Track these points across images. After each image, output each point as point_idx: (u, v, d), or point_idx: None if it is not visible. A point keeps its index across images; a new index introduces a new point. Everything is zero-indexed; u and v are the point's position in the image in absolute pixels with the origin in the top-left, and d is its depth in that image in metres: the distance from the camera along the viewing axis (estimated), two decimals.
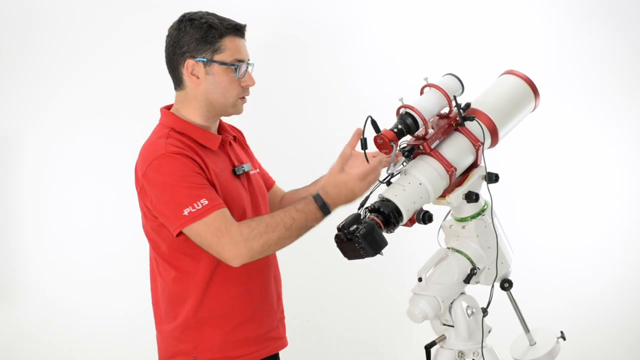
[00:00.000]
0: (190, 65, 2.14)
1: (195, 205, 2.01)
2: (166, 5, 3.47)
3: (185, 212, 2.01)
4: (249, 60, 2.19)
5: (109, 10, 3.59)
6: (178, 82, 2.19)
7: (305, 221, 2.06)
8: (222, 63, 2.12)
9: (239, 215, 2.14)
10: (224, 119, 2.32)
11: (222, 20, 2.15)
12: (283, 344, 2.32)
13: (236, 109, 2.20)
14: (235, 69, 2.14)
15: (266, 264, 2.25)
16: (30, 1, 3.56)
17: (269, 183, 2.47)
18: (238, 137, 2.38)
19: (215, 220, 2.01)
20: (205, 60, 2.12)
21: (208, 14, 2.17)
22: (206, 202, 2.02)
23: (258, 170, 2.37)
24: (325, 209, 2.08)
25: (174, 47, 2.16)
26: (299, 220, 2.05)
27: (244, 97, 2.20)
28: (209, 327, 2.16)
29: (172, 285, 2.18)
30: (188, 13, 2.17)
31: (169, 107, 2.25)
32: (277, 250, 2.10)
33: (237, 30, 2.15)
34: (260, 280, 2.22)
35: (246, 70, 2.16)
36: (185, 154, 2.06)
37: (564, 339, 2.24)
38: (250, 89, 2.20)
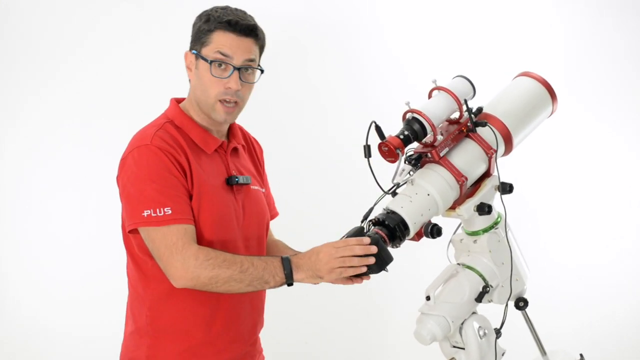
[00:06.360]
0: (187, 57, 2.16)
1: (157, 210, 2.00)
2: (154, 4, 3.48)
3: (145, 214, 2.00)
4: (249, 60, 2.11)
5: (90, 10, 3.58)
6: None
7: (263, 271, 2.00)
8: (203, 57, 2.10)
9: (220, 226, 2.11)
10: (246, 126, 2.30)
11: (224, 14, 2.10)
12: None
13: (215, 114, 2.14)
14: (216, 64, 2.09)
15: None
16: (6, 1, 3.57)
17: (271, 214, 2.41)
18: (252, 149, 2.36)
19: (174, 234, 2.00)
20: (195, 52, 2.13)
21: (224, 8, 2.13)
22: (169, 211, 2.00)
23: (264, 190, 2.34)
24: (287, 265, 2.00)
25: None
26: (258, 267, 2.00)
27: (226, 102, 2.12)
28: (164, 340, 2.15)
29: (133, 286, 2.20)
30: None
31: (181, 100, 2.24)
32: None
33: (230, 25, 2.09)
34: (230, 305, 2.17)
35: (233, 71, 2.09)
36: (169, 151, 2.05)
37: None
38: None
